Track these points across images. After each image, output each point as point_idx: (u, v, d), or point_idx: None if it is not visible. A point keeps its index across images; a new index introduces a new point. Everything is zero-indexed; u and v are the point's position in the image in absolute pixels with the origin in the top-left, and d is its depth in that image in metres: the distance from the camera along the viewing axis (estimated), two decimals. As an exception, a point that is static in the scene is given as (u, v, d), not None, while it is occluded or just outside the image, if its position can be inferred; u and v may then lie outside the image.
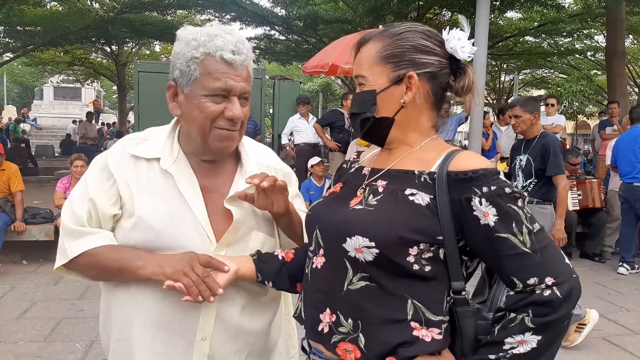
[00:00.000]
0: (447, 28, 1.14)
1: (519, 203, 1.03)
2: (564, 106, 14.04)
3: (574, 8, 13.70)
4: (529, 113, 4.01)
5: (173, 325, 1.23)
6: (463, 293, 1.08)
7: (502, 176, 1.05)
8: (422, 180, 1.08)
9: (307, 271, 1.19)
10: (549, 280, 1.00)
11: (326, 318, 1.11)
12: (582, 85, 13.53)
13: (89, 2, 14.62)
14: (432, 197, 1.05)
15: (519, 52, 16.18)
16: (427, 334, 1.05)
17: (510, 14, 15.21)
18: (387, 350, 1.04)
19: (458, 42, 1.12)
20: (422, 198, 1.05)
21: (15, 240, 5.43)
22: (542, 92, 22.45)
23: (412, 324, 1.05)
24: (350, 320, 1.07)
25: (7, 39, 12.95)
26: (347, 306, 1.08)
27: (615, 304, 4.78)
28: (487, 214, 1.01)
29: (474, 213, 1.02)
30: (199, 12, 14.47)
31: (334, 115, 8.01)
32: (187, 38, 1.22)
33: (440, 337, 1.06)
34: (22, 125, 22.63)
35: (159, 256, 1.20)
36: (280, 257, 1.30)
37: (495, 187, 1.02)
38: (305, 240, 1.29)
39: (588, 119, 19.48)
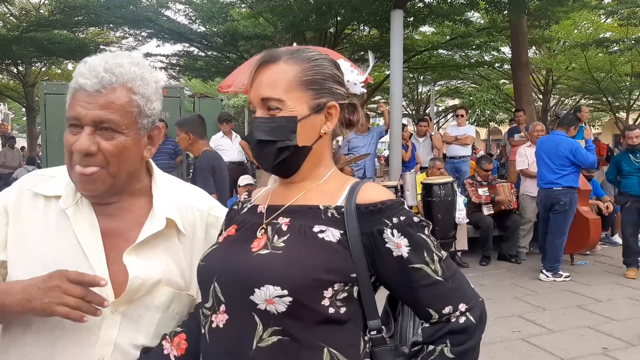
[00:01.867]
0: (341, 60, 1.15)
1: (426, 231, 1.03)
2: (477, 114, 14.82)
3: (481, 22, 14.59)
4: (184, 133, 4.01)
5: None
6: (380, 332, 1.04)
7: (406, 206, 1.05)
8: (329, 215, 1.03)
9: (204, 331, 1.04)
10: (462, 307, 1.01)
11: None
12: (492, 94, 14.34)
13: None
14: (342, 232, 1.00)
15: (433, 65, 16.95)
16: None
17: (424, 28, 15.95)
18: None
19: (351, 75, 1.12)
20: (332, 234, 1.00)
21: None
22: (456, 101, 23.58)
23: None
24: None
25: None
26: None
27: (532, 303, 5.06)
28: (399, 245, 0.99)
29: (387, 245, 1.00)
30: (112, 29, 13.95)
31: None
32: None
33: None
34: None
35: (23, 285, 1.04)
36: (172, 357, 1.11)
37: (404, 217, 1.01)
38: None
39: (499, 125, 20.72)
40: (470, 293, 1.04)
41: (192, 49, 16.32)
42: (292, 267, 0.96)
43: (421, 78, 22.01)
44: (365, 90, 1.14)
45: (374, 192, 1.04)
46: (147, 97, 1.14)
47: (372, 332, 1.04)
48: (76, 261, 1.09)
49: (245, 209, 1.16)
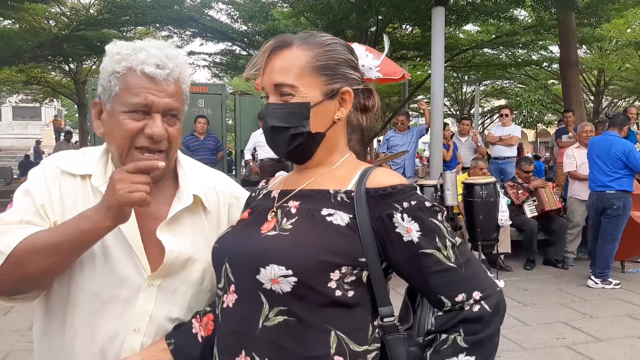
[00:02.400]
0: (356, 44, 1.12)
1: (439, 217, 1.00)
2: (524, 115, 14.38)
3: (528, 20, 14.13)
4: None
5: (95, 358, 1.13)
6: (391, 319, 1.02)
7: (419, 191, 1.03)
8: (339, 199, 1.02)
9: (217, 312, 1.07)
10: (476, 295, 0.98)
11: None
12: (539, 94, 13.89)
13: (44, 21, 14.29)
14: (351, 216, 0.99)
15: (478, 64, 16.54)
16: None
17: (468, 27, 15.59)
18: None
19: (366, 59, 1.10)
20: (340, 218, 0.99)
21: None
22: (502, 102, 22.98)
23: (336, 358, 0.96)
24: None
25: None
26: (263, 346, 0.97)
27: (579, 310, 4.83)
28: (410, 229, 0.97)
29: (397, 230, 0.98)
30: (158, 29, 14.30)
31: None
32: (111, 52, 1.15)
33: None
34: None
35: (98, 203, 1.05)
36: (199, 337, 1.14)
37: (415, 202, 0.99)
38: None
39: (547, 127, 20.01)
40: (486, 281, 1.00)
41: (234, 47, 16.54)
42: (297, 247, 0.96)
43: (465, 78, 21.54)
44: (380, 75, 1.11)
45: (385, 177, 1.03)
46: (188, 85, 1.22)
47: (384, 319, 1.02)
48: (114, 236, 1.12)
49: (261, 195, 1.18)
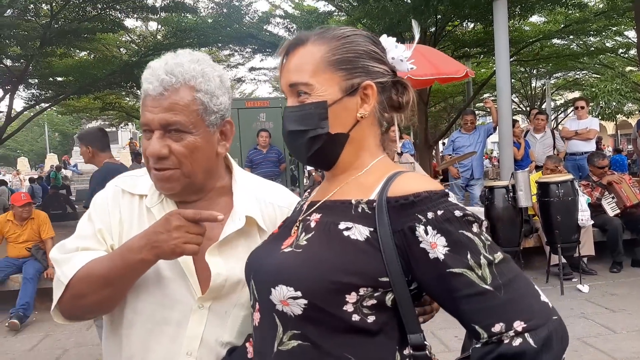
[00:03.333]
0: (384, 35, 1.00)
1: (474, 229, 0.85)
2: (601, 107, 13.50)
3: (600, 6, 13.28)
4: (85, 146, 4.13)
5: None
6: (423, 349, 0.88)
7: (451, 199, 0.88)
8: (360, 210, 0.91)
9: (253, 330, 1.02)
10: (518, 325, 0.80)
11: None
12: (617, 83, 13.00)
13: (115, 49, 15.18)
14: (372, 229, 0.87)
15: (547, 56, 15.74)
16: None
17: (534, 18, 14.89)
18: None
19: (396, 51, 0.98)
20: (359, 232, 0.88)
21: (49, 287, 5.42)
22: (576, 94, 21.76)
23: None
24: None
25: (39, 90, 13.47)
26: None
27: (675, 315, 4.40)
28: (435, 245, 0.83)
29: (421, 245, 0.84)
30: (219, 48, 14.78)
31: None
32: None
33: None
34: (63, 171, 23.48)
35: (142, 237, 1.06)
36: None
37: (442, 212, 0.85)
38: None
39: (628, 117, 18.65)
40: (534, 308, 0.83)
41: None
42: (307, 267, 0.87)
43: (534, 71, 20.58)
44: (414, 67, 1.00)
45: (410, 183, 0.90)
46: (211, 92, 1.12)
47: (414, 350, 0.88)
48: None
49: (298, 207, 1.10)
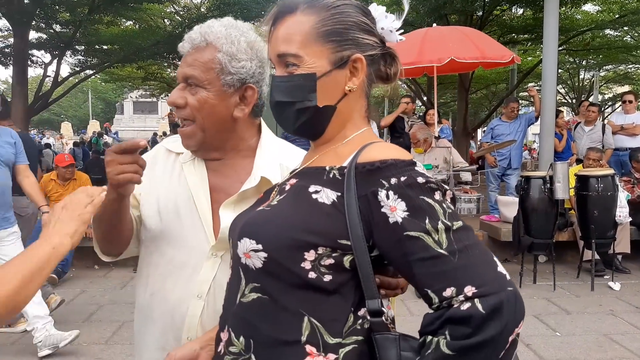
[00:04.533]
0: (374, 4, 0.99)
1: (436, 196, 0.86)
2: (651, 102, 12.93)
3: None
4: None
5: (163, 319, 1.25)
6: (380, 314, 0.88)
7: (419, 167, 0.89)
8: (331, 176, 0.93)
9: None
10: (468, 291, 0.80)
11: (223, 336, 0.96)
12: (671, 79, 12.40)
13: (160, 20, 15.39)
14: (339, 194, 0.89)
15: (598, 47, 15.13)
16: None
17: (587, 6, 14.30)
18: None
19: (386, 21, 0.97)
20: (326, 196, 0.90)
21: (87, 246, 5.61)
22: (626, 88, 20.88)
23: (308, 347, 0.87)
24: (242, 339, 0.92)
25: (85, 57, 13.83)
26: (238, 322, 0.94)
27: None
28: (394, 208, 0.84)
29: (382, 210, 0.85)
30: (261, 22, 14.79)
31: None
32: None
33: None
34: (105, 137, 24.18)
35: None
36: None
37: (405, 178, 0.86)
38: None
39: (680, 115, 17.85)
40: (489, 276, 0.82)
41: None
42: (270, 223, 0.91)
43: (583, 62, 19.83)
44: (403, 38, 0.98)
45: (379, 151, 0.91)
46: (232, 54, 1.19)
47: (370, 315, 0.89)
48: (189, 207, 1.25)
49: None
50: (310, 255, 0.88)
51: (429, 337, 0.82)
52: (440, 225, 0.83)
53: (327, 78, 0.94)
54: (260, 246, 0.89)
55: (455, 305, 0.80)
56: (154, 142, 21.33)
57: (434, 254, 0.83)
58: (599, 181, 5.14)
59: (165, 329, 1.25)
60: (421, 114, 8.01)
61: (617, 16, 12.99)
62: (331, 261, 0.89)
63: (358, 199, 0.88)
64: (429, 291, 0.83)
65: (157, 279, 1.27)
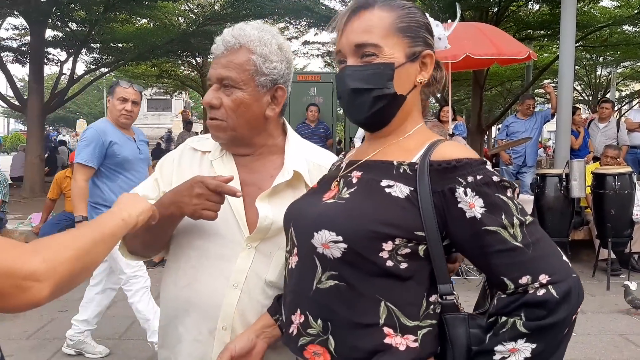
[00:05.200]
0: (427, 14, 1.09)
1: (508, 193, 0.95)
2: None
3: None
4: None
5: (196, 311, 1.26)
6: (451, 297, 0.98)
7: (489, 166, 0.97)
8: (402, 171, 1.00)
9: (285, 272, 1.13)
10: (543, 279, 0.90)
11: (296, 319, 1.04)
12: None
13: (174, 18, 15.46)
14: (412, 189, 0.97)
15: (616, 43, 14.87)
16: (401, 342, 0.95)
17: (605, 1, 14.07)
18: (358, 357, 0.96)
19: (437, 29, 1.08)
20: (400, 190, 0.97)
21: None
22: (644, 85, 20.56)
23: (385, 329, 0.96)
24: (319, 321, 0.99)
25: (100, 55, 13.95)
26: (316, 306, 1.00)
27: None
28: (472, 205, 0.93)
29: (459, 205, 0.94)
30: (275, 20, 14.80)
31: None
32: None
33: (416, 344, 0.96)
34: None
35: (171, 196, 1.24)
36: None
37: (481, 176, 0.94)
38: None
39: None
40: (557, 265, 0.92)
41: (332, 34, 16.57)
42: (349, 215, 0.97)
43: (600, 59, 19.52)
44: (449, 46, 1.08)
45: (453, 150, 0.99)
46: (265, 56, 1.26)
47: (443, 297, 0.98)
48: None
49: (334, 167, 1.20)
50: (387, 245, 0.95)
51: (504, 318, 0.91)
52: (515, 221, 0.92)
53: (402, 69, 1.02)
54: (340, 237, 0.95)
55: (531, 292, 0.90)
56: (167, 139, 21.49)
57: (510, 246, 0.91)
58: (616, 179, 5.07)
59: (198, 320, 1.26)
60: (434, 111, 7.94)
61: (635, 12, 12.75)
62: (407, 250, 0.96)
63: (433, 193, 0.95)
64: (505, 279, 0.92)
65: (189, 272, 1.29)
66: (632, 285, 5.04)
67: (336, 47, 1.07)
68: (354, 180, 1.03)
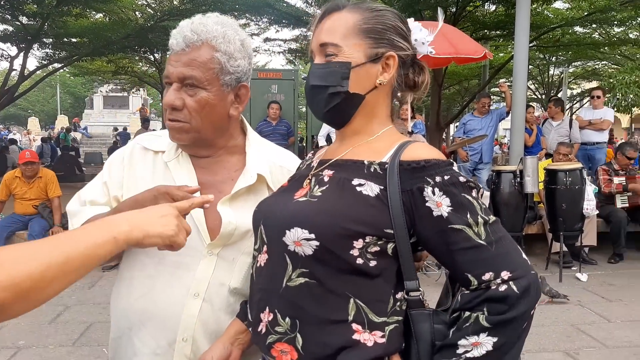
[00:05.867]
0: (412, 19, 1.10)
1: (473, 193, 0.98)
2: (617, 98, 13.27)
3: (626, -6, 12.93)
4: None
5: (155, 321, 1.20)
6: (417, 293, 1.01)
7: (456, 167, 1.00)
8: (372, 170, 1.02)
9: (252, 271, 1.13)
10: (505, 275, 0.94)
11: (265, 317, 1.04)
12: (636, 76, 12.72)
13: (131, 12, 15.07)
14: (382, 187, 0.99)
15: (567, 44, 15.41)
16: (369, 338, 0.98)
17: (558, 3, 14.54)
18: (326, 353, 0.97)
19: (420, 34, 1.09)
20: (370, 189, 0.99)
21: (53, 245, 5.57)
22: (594, 84, 21.37)
23: (354, 325, 0.98)
24: (287, 320, 1.00)
25: (53, 50, 13.44)
26: (285, 304, 1.01)
27: (673, 309, 4.40)
28: (440, 204, 0.95)
29: (427, 204, 0.96)
30: (235, 17, 14.64)
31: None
32: None
33: (384, 340, 0.98)
34: (72, 134, 23.62)
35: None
36: None
37: (448, 177, 0.97)
38: None
39: (645, 111, 18.32)
40: (518, 261, 0.96)
41: (309, 33, 16.55)
42: (321, 213, 0.98)
43: (553, 59, 20.20)
44: (433, 51, 1.08)
45: (421, 151, 1.01)
46: (230, 54, 1.19)
47: (409, 293, 1.01)
48: None
49: (304, 166, 1.21)
50: (358, 243, 0.97)
51: (467, 313, 0.95)
52: (480, 219, 0.95)
53: (361, 69, 1.04)
54: (312, 235, 0.97)
55: (493, 287, 0.93)
56: (124, 136, 20.96)
57: (474, 244, 0.95)
58: (567, 175, 5.25)
59: (156, 332, 1.20)
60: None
61: (585, 14, 13.26)
62: (377, 248, 0.98)
63: (402, 192, 0.97)
64: (469, 275, 0.95)
65: (145, 281, 1.22)
66: (583, 277, 5.26)
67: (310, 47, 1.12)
68: (326, 179, 1.04)
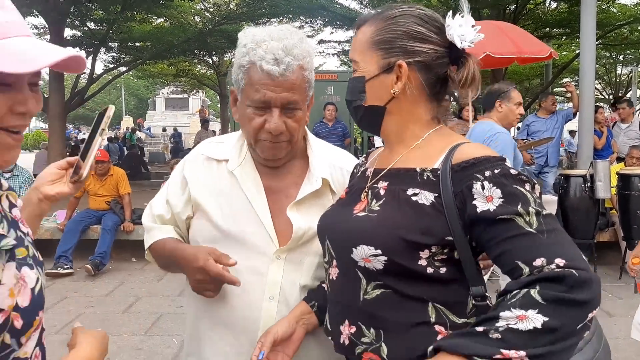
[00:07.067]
0: (450, 12, 1.03)
1: (527, 187, 0.92)
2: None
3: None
4: None
5: (236, 324, 1.25)
6: (483, 300, 0.98)
7: (509, 162, 0.96)
8: (425, 178, 1.01)
9: (326, 281, 1.15)
10: (560, 262, 0.83)
11: (345, 330, 1.05)
12: None
13: (190, 17, 15.56)
14: (436, 195, 0.97)
15: (636, 41, 14.65)
16: None
17: (624, 0, 13.84)
18: (412, 356, 0.95)
19: (458, 28, 1.03)
20: (425, 197, 0.98)
21: (125, 239, 5.86)
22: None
23: (437, 327, 0.97)
24: (372, 330, 1.01)
25: (119, 54, 14.07)
26: (367, 317, 1.02)
27: None
28: (490, 198, 0.91)
29: (474, 202, 0.92)
30: (290, 19, 14.81)
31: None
32: (240, 43, 1.23)
33: None
34: (137, 134, 24.61)
35: (188, 255, 1.22)
36: None
37: (499, 170, 0.93)
38: None
39: None
40: (576, 254, 0.85)
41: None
42: (382, 228, 0.98)
43: (620, 57, 19.24)
44: (472, 45, 1.03)
45: (472, 150, 0.99)
46: (311, 69, 1.24)
47: (476, 299, 0.98)
48: (247, 214, 1.26)
49: (359, 173, 1.21)
50: (424, 253, 0.96)
51: (516, 290, 0.84)
52: (532, 209, 0.89)
53: (375, 81, 1.06)
54: (379, 251, 0.97)
55: (546, 271, 0.83)
56: (177, 137, 21.63)
57: (524, 232, 0.88)
58: (642, 180, 4.97)
59: (238, 334, 1.25)
60: (453, 110, 7.86)
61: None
62: (444, 256, 0.98)
63: (455, 196, 0.95)
64: (519, 262, 0.87)
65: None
66: (659, 288, 4.96)
67: None
68: (382, 192, 1.04)
